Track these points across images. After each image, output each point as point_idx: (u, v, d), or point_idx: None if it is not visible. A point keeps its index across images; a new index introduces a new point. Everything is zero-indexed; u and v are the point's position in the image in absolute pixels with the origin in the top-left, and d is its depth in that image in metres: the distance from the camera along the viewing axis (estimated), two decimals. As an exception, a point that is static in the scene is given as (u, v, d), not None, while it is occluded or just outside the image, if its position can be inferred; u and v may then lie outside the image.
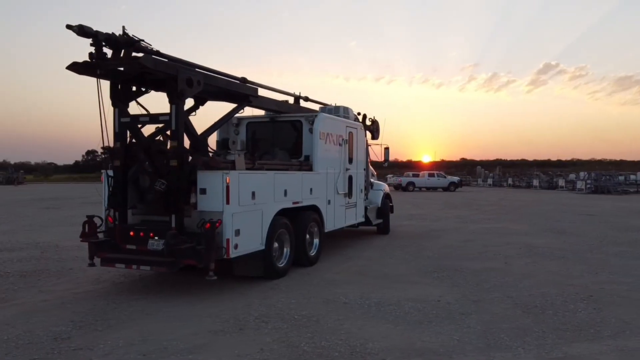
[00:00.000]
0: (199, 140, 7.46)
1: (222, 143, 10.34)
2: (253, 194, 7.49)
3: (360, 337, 5.41)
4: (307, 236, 9.54)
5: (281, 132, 10.43)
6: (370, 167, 14.63)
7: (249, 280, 7.97)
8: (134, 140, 7.32)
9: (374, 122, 16.70)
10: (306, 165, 9.66)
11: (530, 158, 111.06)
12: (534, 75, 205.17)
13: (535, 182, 53.07)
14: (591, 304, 6.74)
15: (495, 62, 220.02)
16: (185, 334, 5.55)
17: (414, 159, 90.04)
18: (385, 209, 13.90)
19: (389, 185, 47.12)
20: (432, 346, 5.16)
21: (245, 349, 5.06)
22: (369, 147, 14.10)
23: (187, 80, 6.88)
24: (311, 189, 9.39)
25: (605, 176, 42.72)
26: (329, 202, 10.17)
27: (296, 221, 9.06)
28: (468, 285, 7.87)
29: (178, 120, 6.86)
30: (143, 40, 6.59)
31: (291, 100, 11.40)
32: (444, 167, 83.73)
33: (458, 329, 5.70)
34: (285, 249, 8.63)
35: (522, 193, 41.27)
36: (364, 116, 13.16)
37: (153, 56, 6.63)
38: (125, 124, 7.19)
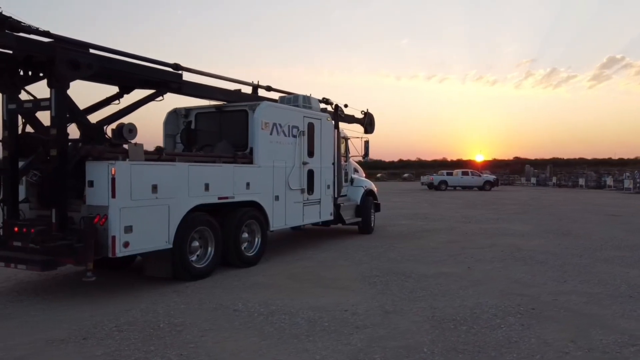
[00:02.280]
0: (93, 129, 6.85)
1: (180, 137, 9.81)
2: (154, 187, 6.80)
3: (209, 352, 4.62)
4: (246, 235, 8.81)
5: (228, 123, 9.71)
6: (353, 162, 13.71)
7: (159, 282, 7.31)
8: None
9: (367, 115, 15.78)
10: (245, 157, 8.90)
11: (589, 157, 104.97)
12: (597, 70, 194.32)
13: (582, 182, 49.99)
14: (523, 319, 5.64)
15: (555, 57, 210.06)
16: (23, 342, 4.93)
17: (465, 157, 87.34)
18: (365, 207, 12.90)
19: (422, 184, 46.07)
20: (277, 367, 4.31)
21: (59, 363, 4.38)
22: (348, 140, 13.20)
23: (71, 62, 6.27)
24: (248, 184, 8.62)
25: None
26: (276, 198, 9.36)
27: (227, 218, 8.33)
28: (399, 292, 6.89)
29: (58, 106, 6.27)
30: (11, 18, 5.98)
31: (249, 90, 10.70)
32: (496, 166, 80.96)
33: (332, 346, 4.80)
34: (209, 249, 7.90)
35: (562, 192, 38.79)
36: (336, 107, 12.22)
37: (21, 34, 6.05)
38: (13, 111, 6.67)
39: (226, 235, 8.23)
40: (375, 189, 13.83)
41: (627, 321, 5.59)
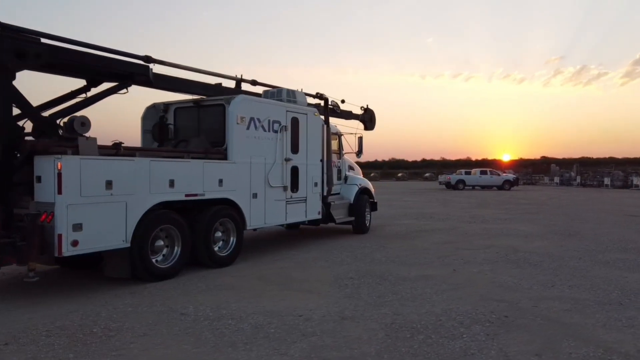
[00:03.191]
0: (45, 123, 6.55)
1: (152, 132, 9.52)
2: (109, 183, 6.47)
3: (128, 362, 4.24)
4: (220, 234, 8.44)
5: (205, 117, 9.36)
6: (348, 159, 13.24)
7: (121, 282, 6.98)
8: None
9: (367, 111, 15.33)
10: (219, 153, 8.53)
11: (619, 156, 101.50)
12: (630, 67, 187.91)
13: (607, 181, 48.32)
14: (490, 328, 5.11)
15: (585, 53, 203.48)
16: (-57, 346, 4.63)
17: (490, 157, 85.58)
18: (359, 206, 12.40)
19: (440, 183, 45.11)
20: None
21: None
22: (342, 137, 12.73)
23: (15, 51, 5.98)
24: (221, 180, 8.24)
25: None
26: (254, 195, 8.95)
27: (198, 217, 7.97)
28: (367, 296, 6.41)
29: (1, 98, 5.98)
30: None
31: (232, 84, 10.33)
32: (522, 165, 79.15)
33: (267, 356, 4.36)
34: (175, 248, 7.55)
35: (584, 192, 37.47)
36: (326, 101, 11.76)
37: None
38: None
39: (196, 234, 7.88)
40: (371, 188, 13.33)
41: (607, 332, 5.01)
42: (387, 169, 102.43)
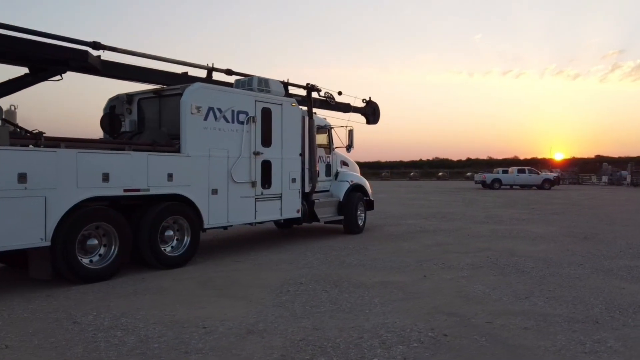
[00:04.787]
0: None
1: (101, 124, 9.03)
2: (22, 176, 5.93)
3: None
4: (171, 232, 7.82)
5: (166, 108, 8.79)
6: (340, 154, 12.38)
7: (50, 283, 6.46)
8: None
9: (370, 104, 14.47)
10: (170, 145, 7.91)
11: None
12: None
13: (660, 180, 45.12)
14: (414, 351, 4.21)
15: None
16: None
17: (540, 156, 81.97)
18: (349, 204, 11.52)
19: (476, 182, 43.19)
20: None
21: None
22: (332, 130, 11.90)
23: None
24: (171, 175, 7.61)
25: None
26: (214, 191, 8.28)
27: (142, 214, 7.38)
28: (299, 306, 5.60)
29: None
30: None
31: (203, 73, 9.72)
32: (574, 164, 75.53)
33: (118, 380, 3.65)
34: (113, 248, 6.96)
35: (631, 192, 34.88)
36: (309, 91, 10.94)
37: None
38: None
39: (141, 232, 7.28)
40: (366, 185, 12.42)
41: (554, 358, 4.01)
42: (427, 169, 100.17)
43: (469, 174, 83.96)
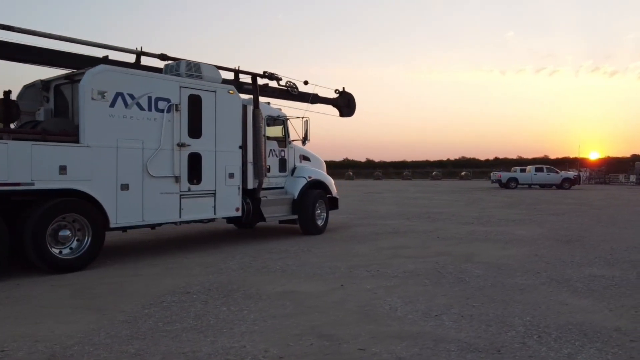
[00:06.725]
0: None
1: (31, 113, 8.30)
2: None
3: None
4: (68, 232, 6.98)
5: (77, 94, 7.95)
6: (300, 147, 11.39)
7: None
8: None
9: (343, 95, 13.49)
10: (67, 135, 7.07)
11: None
12: None
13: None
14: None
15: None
16: None
17: (572, 155, 78.80)
18: (305, 202, 10.51)
19: (492, 182, 41.45)
20: None
21: None
22: (287, 121, 10.91)
23: None
24: (64, 167, 6.77)
25: None
26: (124, 187, 7.42)
27: (24, 212, 6.56)
28: (149, 324, 4.66)
29: None
30: None
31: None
32: (608, 164, 72.57)
33: None
34: (-19, 249, 6.16)
35: (656, 192, 32.78)
36: (254, 78, 9.95)
37: None
38: None
39: (24, 232, 6.47)
40: (328, 181, 11.39)
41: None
42: (450, 168, 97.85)
43: (492, 173, 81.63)
